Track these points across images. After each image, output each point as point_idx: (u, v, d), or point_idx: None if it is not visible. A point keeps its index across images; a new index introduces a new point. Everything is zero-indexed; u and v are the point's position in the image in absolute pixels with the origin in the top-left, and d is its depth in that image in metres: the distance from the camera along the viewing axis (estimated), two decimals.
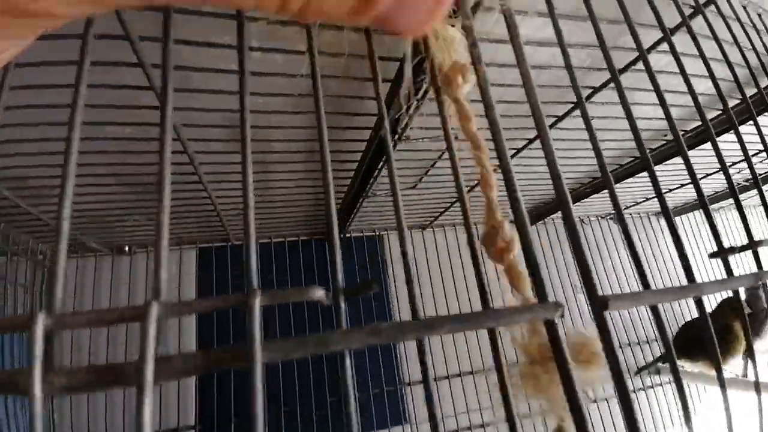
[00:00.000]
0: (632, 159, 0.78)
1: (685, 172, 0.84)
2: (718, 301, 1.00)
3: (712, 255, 0.24)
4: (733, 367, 0.93)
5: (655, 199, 1.12)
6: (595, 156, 0.26)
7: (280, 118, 0.47)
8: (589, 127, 0.27)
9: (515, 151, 0.65)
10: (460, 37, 0.25)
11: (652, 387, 1.06)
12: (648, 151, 0.73)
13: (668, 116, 0.30)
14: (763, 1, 0.47)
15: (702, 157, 0.73)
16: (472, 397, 0.89)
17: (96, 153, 0.48)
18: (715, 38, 0.35)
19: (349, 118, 0.51)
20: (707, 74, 0.33)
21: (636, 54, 0.45)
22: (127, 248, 0.80)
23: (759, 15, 0.46)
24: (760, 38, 0.44)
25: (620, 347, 1.09)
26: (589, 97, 0.51)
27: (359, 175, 0.64)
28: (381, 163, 0.59)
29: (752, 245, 0.25)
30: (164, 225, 0.14)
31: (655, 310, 0.22)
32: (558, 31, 0.29)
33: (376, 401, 0.84)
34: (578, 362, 0.22)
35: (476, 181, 0.77)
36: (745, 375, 0.94)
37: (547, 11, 0.28)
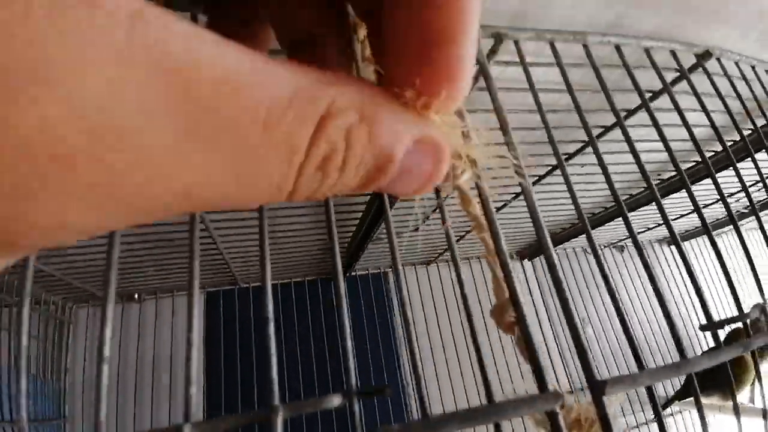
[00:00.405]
0: (629, 197, 0.80)
1: (687, 202, 0.85)
2: (727, 332, 1.00)
3: (703, 328, 0.26)
4: (742, 395, 0.94)
5: (654, 229, 1.14)
6: (574, 206, 0.28)
7: None
8: (569, 185, 0.29)
9: (514, 195, 0.67)
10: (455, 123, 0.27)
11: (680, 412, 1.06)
12: (627, 198, 0.74)
13: (641, 168, 0.32)
14: (760, 53, 0.49)
15: (704, 188, 0.75)
16: None
17: None
18: (697, 97, 0.37)
19: None
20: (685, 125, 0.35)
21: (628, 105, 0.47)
22: (136, 296, 0.81)
23: (753, 67, 0.47)
24: (750, 88, 0.45)
25: None
26: (579, 150, 0.53)
27: (365, 222, 0.65)
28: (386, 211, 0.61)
29: (741, 317, 0.26)
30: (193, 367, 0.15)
31: (650, 391, 0.23)
32: (538, 104, 0.31)
33: None
34: None
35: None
36: (752, 402, 0.95)
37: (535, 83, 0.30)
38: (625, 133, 0.32)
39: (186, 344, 0.17)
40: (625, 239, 1.21)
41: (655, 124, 0.33)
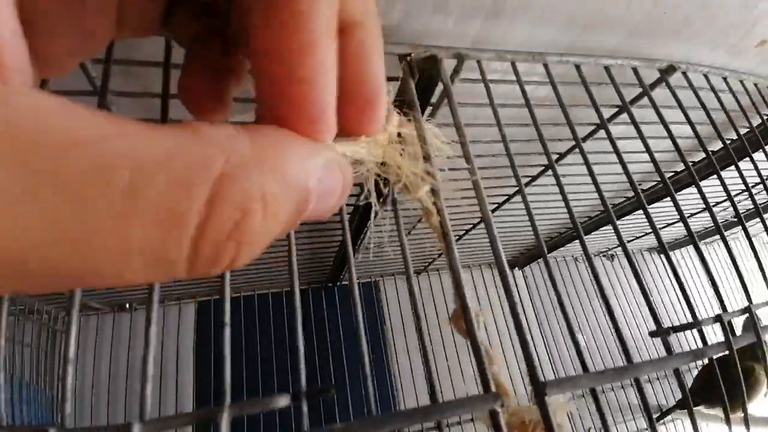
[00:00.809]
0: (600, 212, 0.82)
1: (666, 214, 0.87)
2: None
3: (652, 334, 0.27)
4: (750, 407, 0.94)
5: (633, 239, 1.15)
6: (532, 228, 0.29)
7: None
8: (528, 210, 0.31)
9: (496, 206, 0.68)
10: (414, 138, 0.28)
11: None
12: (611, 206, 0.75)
13: (598, 190, 0.33)
14: (731, 63, 0.50)
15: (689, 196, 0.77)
16: None
17: None
18: (658, 114, 0.38)
19: None
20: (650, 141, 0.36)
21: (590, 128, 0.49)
22: (127, 305, 0.83)
23: (724, 78, 0.48)
24: (719, 100, 0.46)
25: (621, 387, 1.08)
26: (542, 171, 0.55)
27: (351, 229, 0.66)
28: (369, 221, 0.63)
29: (696, 324, 0.27)
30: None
31: (593, 393, 0.24)
32: (497, 119, 0.32)
33: None
34: None
35: (468, 228, 0.80)
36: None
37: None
38: (582, 153, 0.33)
39: (144, 346, 0.18)
40: (614, 247, 1.22)
41: (612, 143, 0.35)
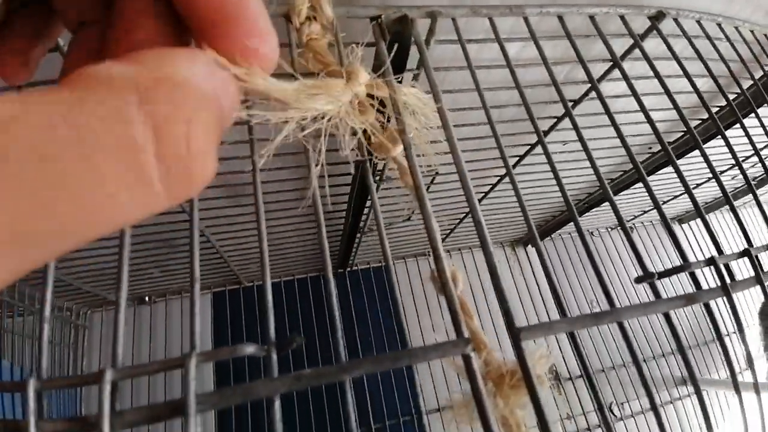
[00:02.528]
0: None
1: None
2: None
3: (638, 279, 0.26)
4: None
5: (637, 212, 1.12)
6: (522, 212, 0.29)
7: (272, 173, 0.51)
8: (513, 191, 0.30)
9: (499, 178, 0.67)
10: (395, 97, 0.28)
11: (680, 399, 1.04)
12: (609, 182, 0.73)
13: (594, 167, 0.32)
14: (727, 8, 0.48)
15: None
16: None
17: None
18: (651, 65, 0.37)
19: (332, 154, 0.55)
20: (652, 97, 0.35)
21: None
22: (147, 298, 0.85)
23: (718, 24, 0.46)
24: (716, 49, 0.43)
25: (614, 367, 1.06)
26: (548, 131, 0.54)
27: (350, 212, 0.67)
28: (368, 201, 0.63)
29: (685, 267, 0.26)
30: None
31: (572, 337, 0.24)
32: (476, 81, 0.32)
33: None
34: (509, 387, 0.24)
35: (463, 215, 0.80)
36: None
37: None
38: (572, 121, 0.32)
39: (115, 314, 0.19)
40: (636, 216, 1.20)
41: (603, 103, 0.33)
